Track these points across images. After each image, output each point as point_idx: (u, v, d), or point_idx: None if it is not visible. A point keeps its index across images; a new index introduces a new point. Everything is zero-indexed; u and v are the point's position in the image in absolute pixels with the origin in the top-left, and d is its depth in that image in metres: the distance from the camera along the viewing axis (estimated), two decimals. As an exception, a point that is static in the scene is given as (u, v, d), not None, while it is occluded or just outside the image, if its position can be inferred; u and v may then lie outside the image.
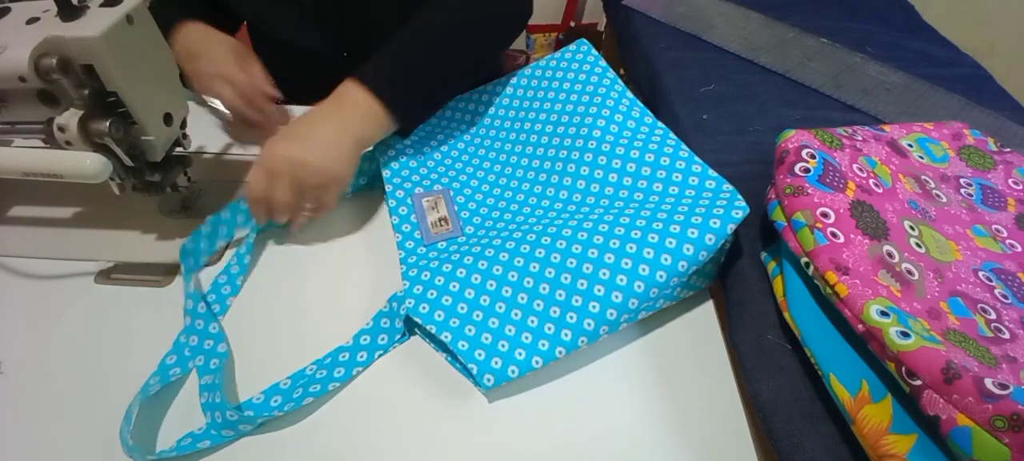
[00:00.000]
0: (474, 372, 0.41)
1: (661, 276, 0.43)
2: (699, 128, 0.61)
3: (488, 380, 0.41)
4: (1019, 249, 0.44)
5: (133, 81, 0.43)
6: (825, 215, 0.40)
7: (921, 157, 0.50)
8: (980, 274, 0.41)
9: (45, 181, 0.44)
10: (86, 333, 0.46)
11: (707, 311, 0.48)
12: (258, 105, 0.60)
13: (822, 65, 0.73)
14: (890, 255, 0.39)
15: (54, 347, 0.45)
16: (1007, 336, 0.36)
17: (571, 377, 0.44)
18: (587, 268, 0.44)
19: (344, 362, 0.44)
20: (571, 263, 0.45)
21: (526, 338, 0.43)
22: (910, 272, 0.38)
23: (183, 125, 0.50)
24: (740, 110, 0.64)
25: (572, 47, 0.62)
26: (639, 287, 0.43)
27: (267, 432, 0.40)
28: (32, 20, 0.42)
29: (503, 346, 0.43)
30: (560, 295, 0.44)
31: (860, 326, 0.34)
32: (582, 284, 0.44)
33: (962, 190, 0.48)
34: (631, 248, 0.44)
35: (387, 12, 0.68)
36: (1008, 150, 0.52)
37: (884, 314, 0.34)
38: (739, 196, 0.46)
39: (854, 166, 0.45)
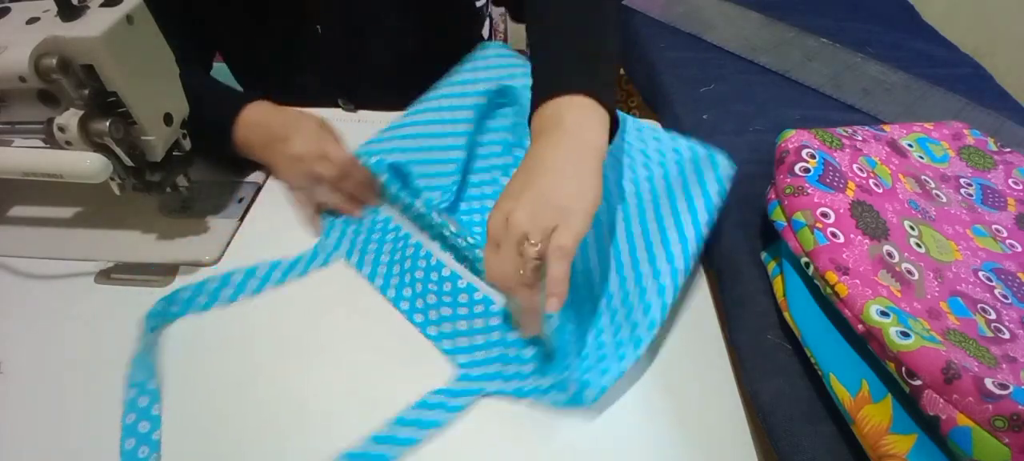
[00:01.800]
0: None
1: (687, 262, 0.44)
2: (699, 128, 0.61)
3: (589, 395, 0.39)
4: (1019, 249, 0.44)
5: (133, 81, 0.43)
6: (825, 215, 0.40)
7: (921, 157, 0.50)
8: (980, 274, 0.41)
9: (45, 181, 0.44)
10: (86, 333, 0.46)
11: (707, 311, 0.48)
12: (358, 179, 0.53)
13: (822, 65, 0.73)
14: (890, 255, 0.39)
15: (54, 347, 0.45)
16: (1007, 336, 0.36)
17: (571, 377, 0.44)
18: (630, 285, 0.45)
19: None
20: (613, 285, 0.46)
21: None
22: (910, 272, 0.38)
23: (183, 125, 0.50)
24: (740, 110, 0.64)
25: (479, 52, 0.63)
26: (681, 276, 0.43)
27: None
28: (32, 20, 0.42)
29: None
30: (620, 315, 0.44)
31: (860, 326, 0.34)
32: (634, 297, 0.44)
33: (962, 190, 0.48)
34: (658, 250, 0.45)
35: (392, 52, 0.68)
36: (1008, 150, 0.52)
37: (884, 314, 0.34)
38: (715, 151, 0.50)
39: (854, 166, 0.45)
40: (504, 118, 0.61)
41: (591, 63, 0.45)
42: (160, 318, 0.46)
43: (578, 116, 0.41)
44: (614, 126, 0.44)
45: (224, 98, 0.57)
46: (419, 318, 0.47)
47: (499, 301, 0.47)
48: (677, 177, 0.49)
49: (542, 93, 0.43)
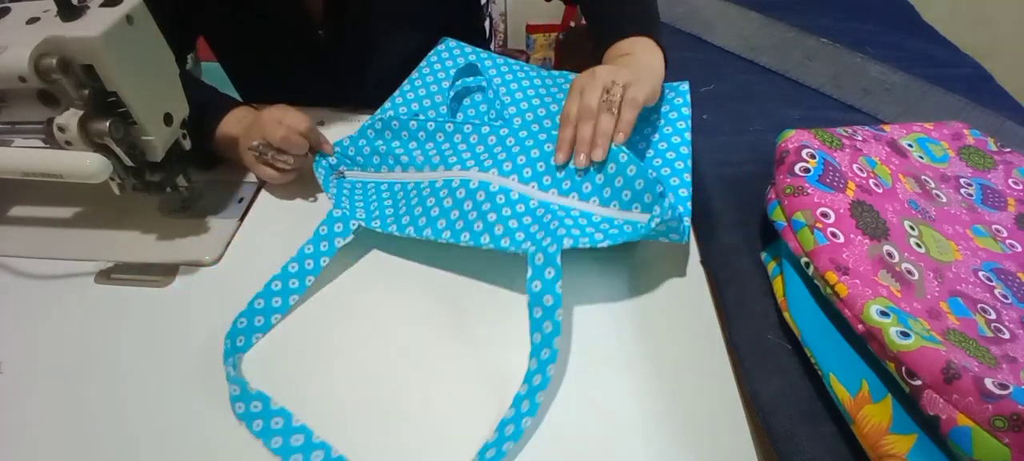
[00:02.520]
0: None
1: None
2: (699, 128, 0.61)
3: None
4: (1019, 249, 0.44)
5: (133, 81, 0.43)
6: (825, 215, 0.40)
7: (921, 157, 0.50)
8: (980, 274, 0.41)
9: (45, 181, 0.44)
10: (86, 333, 0.46)
11: (707, 311, 0.48)
12: (305, 132, 0.55)
13: (822, 65, 0.73)
14: (890, 255, 0.39)
15: (54, 347, 0.45)
16: (1007, 336, 0.36)
17: (571, 377, 0.44)
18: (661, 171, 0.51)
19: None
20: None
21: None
22: (910, 272, 0.38)
23: (183, 125, 0.50)
24: (740, 110, 0.64)
25: (439, 47, 0.68)
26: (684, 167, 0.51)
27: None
28: (32, 20, 0.42)
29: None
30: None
31: (860, 326, 0.34)
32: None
33: (962, 190, 0.48)
34: (658, 162, 0.52)
35: (393, 53, 0.69)
36: (1008, 150, 0.52)
37: (884, 314, 0.34)
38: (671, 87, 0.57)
39: (854, 166, 0.45)
40: (475, 103, 0.63)
41: (645, 16, 0.60)
42: (234, 353, 0.45)
43: (643, 49, 0.55)
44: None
45: (213, 99, 0.60)
46: (466, 237, 0.47)
47: (534, 196, 0.48)
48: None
49: (613, 38, 0.57)
